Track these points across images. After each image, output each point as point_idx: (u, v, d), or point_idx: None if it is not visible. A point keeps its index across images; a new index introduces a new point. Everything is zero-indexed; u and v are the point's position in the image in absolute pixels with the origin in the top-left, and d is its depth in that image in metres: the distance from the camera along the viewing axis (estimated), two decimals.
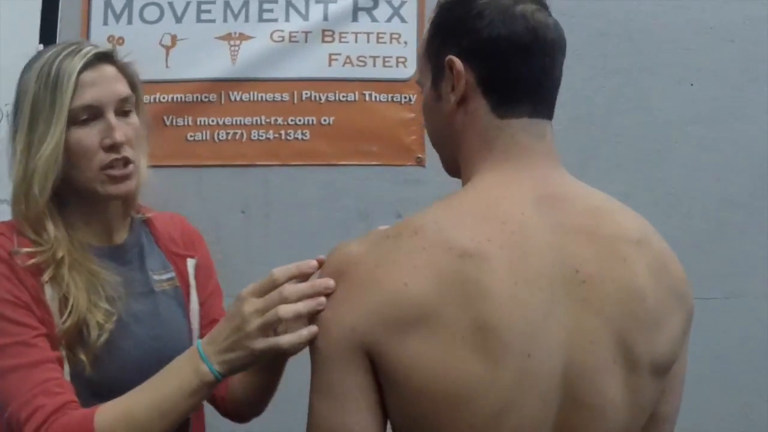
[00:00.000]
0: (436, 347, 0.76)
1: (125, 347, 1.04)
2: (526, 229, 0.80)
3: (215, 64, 1.84)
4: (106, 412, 0.91)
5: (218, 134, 1.85)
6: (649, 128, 1.92)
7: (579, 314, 0.80)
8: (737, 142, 1.93)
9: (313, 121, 1.86)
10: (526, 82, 0.84)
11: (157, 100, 1.84)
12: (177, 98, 1.84)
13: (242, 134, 1.86)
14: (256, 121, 1.85)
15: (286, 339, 0.84)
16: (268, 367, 1.08)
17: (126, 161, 1.04)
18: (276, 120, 1.85)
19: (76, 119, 1.01)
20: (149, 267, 1.12)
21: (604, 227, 0.83)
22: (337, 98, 1.85)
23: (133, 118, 1.07)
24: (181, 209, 1.86)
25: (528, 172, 0.84)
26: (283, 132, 1.85)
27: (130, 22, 1.85)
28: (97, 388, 0.99)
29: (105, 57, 1.05)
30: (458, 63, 0.84)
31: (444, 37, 0.86)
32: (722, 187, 1.93)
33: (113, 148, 1.02)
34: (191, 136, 1.85)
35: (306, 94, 1.85)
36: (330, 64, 1.84)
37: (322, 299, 0.81)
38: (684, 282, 0.88)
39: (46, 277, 0.99)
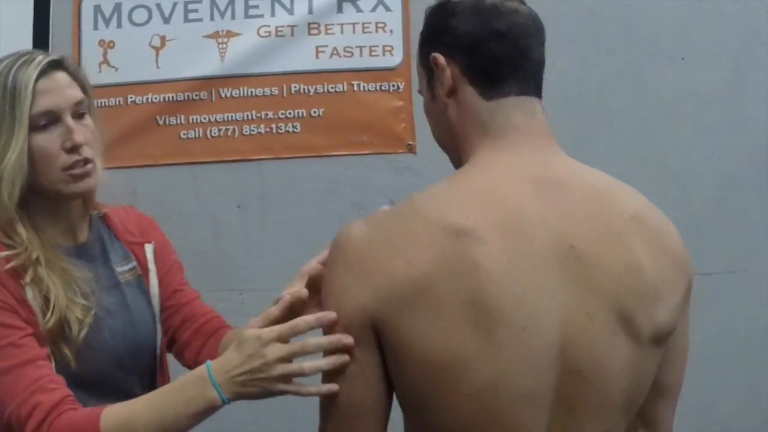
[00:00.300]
0: (434, 321, 0.81)
1: (102, 339, 1.09)
2: (521, 208, 0.84)
3: (204, 62, 1.87)
4: (111, 416, 0.95)
5: (211, 131, 1.88)
6: (643, 108, 1.91)
7: (575, 290, 0.83)
8: (734, 118, 1.93)
9: (303, 113, 1.88)
10: (507, 65, 0.88)
11: (149, 101, 1.87)
12: (169, 98, 1.87)
13: (234, 130, 1.88)
14: (248, 116, 1.88)
15: (306, 389, 0.90)
16: None
17: (86, 161, 1.08)
18: (267, 114, 1.87)
19: (35, 125, 1.05)
20: (112, 260, 1.17)
21: (600, 206, 0.86)
22: (326, 90, 1.87)
23: (88, 120, 1.11)
24: (178, 207, 1.90)
25: (523, 151, 0.88)
26: (274, 126, 1.88)
27: (119, 25, 1.88)
28: (80, 380, 1.04)
29: (57, 64, 1.10)
30: (440, 57, 0.89)
31: (430, 42, 0.92)
32: (720, 164, 1.93)
33: (74, 149, 1.07)
34: (184, 134, 1.88)
35: (295, 87, 1.87)
36: (317, 57, 1.86)
37: (346, 357, 0.86)
38: (683, 254, 0.91)
39: (27, 278, 1.03)
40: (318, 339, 0.88)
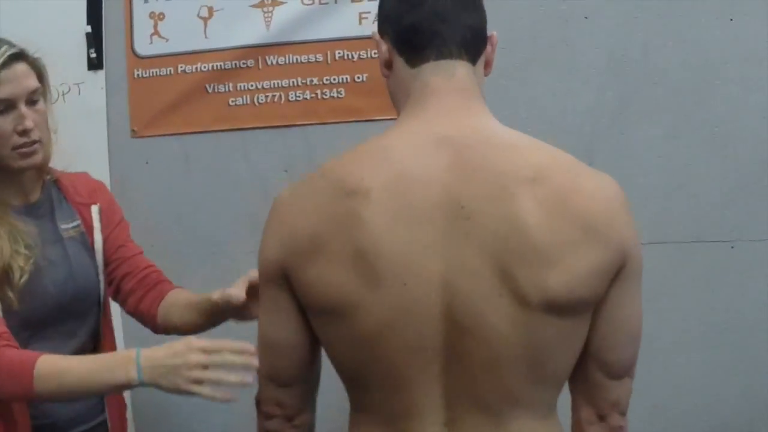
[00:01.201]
0: (327, 271, 0.90)
1: (43, 286, 1.28)
2: (415, 169, 0.89)
3: (251, 31, 1.91)
4: (46, 365, 1.11)
5: (258, 97, 1.93)
6: (689, 67, 1.88)
7: (461, 248, 0.87)
8: None
9: (347, 79, 1.91)
10: (425, 32, 0.94)
11: (198, 69, 1.94)
12: (217, 66, 1.93)
13: (281, 96, 1.93)
14: (293, 82, 1.92)
15: (205, 391, 1.07)
16: (210, 317, 1.33)
17: (33, 142, 1.26)
18: (312, 80, 1.92)
19: None
20: (58, 219, 1.35)
21: (498, 165, 0.89)
22: (369, 55, 1.89)
23: (41, 105, 1.28)
24: (227, 170, 1.96)
25: (435, 113, 0.92)
26: (319, 91, 1.92)
27: None
28: (24, 321, 1.24)
29: (18, 56, 1.25)
30: (376, 34, 0.98)
31: (377, 23, 1.00)
32: None
33: (24, 132, 1.25)
34: (233, 101, 1.94)
35: (339, 53, 1.90)
36: (360, 23, 1.89)
37: (249, 378, 1.03)
38: (602, 221, 0.88)
39: None
40: (233, 356, 1.06)
